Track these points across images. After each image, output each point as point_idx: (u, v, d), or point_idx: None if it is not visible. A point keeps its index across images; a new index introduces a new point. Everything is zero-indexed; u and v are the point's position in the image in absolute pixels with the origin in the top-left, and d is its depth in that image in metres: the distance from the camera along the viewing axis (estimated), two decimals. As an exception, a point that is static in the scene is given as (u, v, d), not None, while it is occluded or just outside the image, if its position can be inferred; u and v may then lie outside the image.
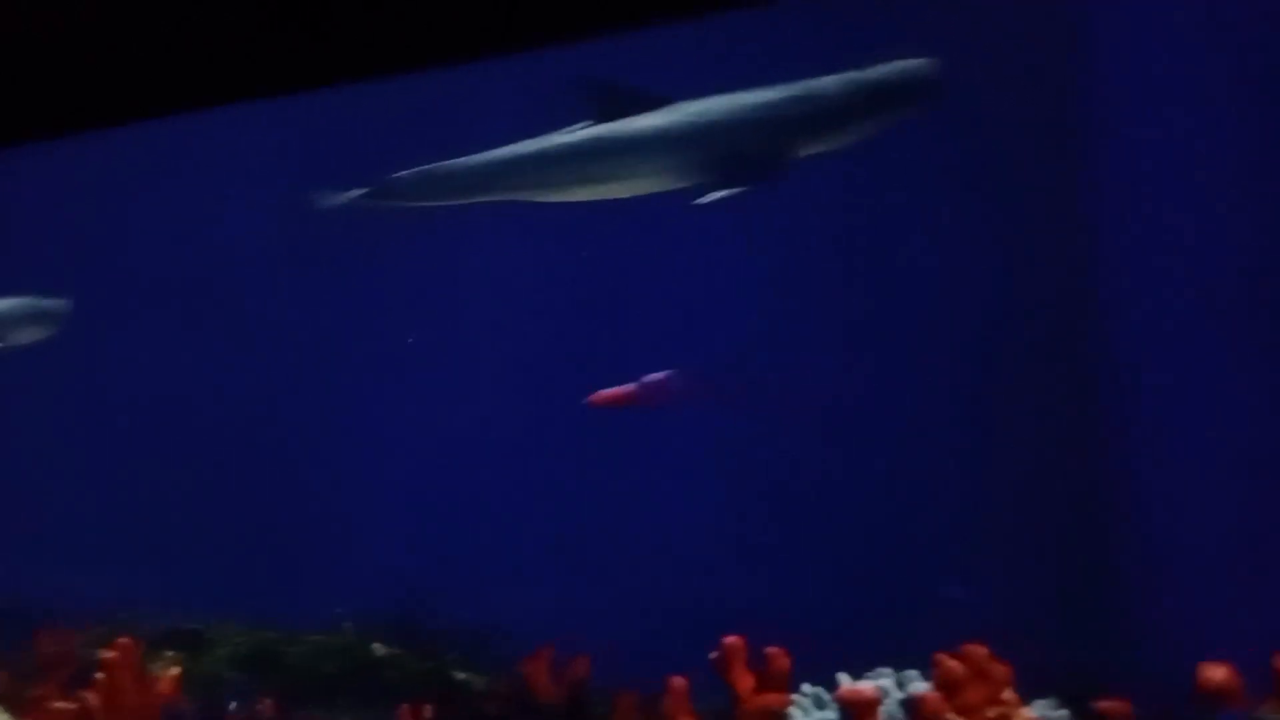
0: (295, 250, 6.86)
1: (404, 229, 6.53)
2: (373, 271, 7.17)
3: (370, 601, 5.07)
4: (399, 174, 4.95)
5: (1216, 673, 2.55)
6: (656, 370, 5.68)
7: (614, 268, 6.66)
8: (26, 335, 6.04)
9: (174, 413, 7.12)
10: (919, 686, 2.84)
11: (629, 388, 5.66)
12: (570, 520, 6.59)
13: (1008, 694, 2.68)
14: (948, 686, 2.69)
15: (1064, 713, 2.85)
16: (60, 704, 3.55)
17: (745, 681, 3.16)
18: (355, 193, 4.99)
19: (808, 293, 6.25)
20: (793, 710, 3.00)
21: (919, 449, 5.79)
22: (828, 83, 4.55)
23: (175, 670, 3.56)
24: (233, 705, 3.60)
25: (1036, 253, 5.76)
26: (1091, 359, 5.54)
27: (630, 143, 4.63)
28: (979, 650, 2.72)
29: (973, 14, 5.35)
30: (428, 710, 3.76)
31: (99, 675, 3.48)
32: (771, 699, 3.07)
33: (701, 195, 4.49)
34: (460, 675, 4.25)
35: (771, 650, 3.12)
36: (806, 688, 3.03)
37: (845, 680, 2.93)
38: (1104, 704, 2.65)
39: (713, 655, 3.18)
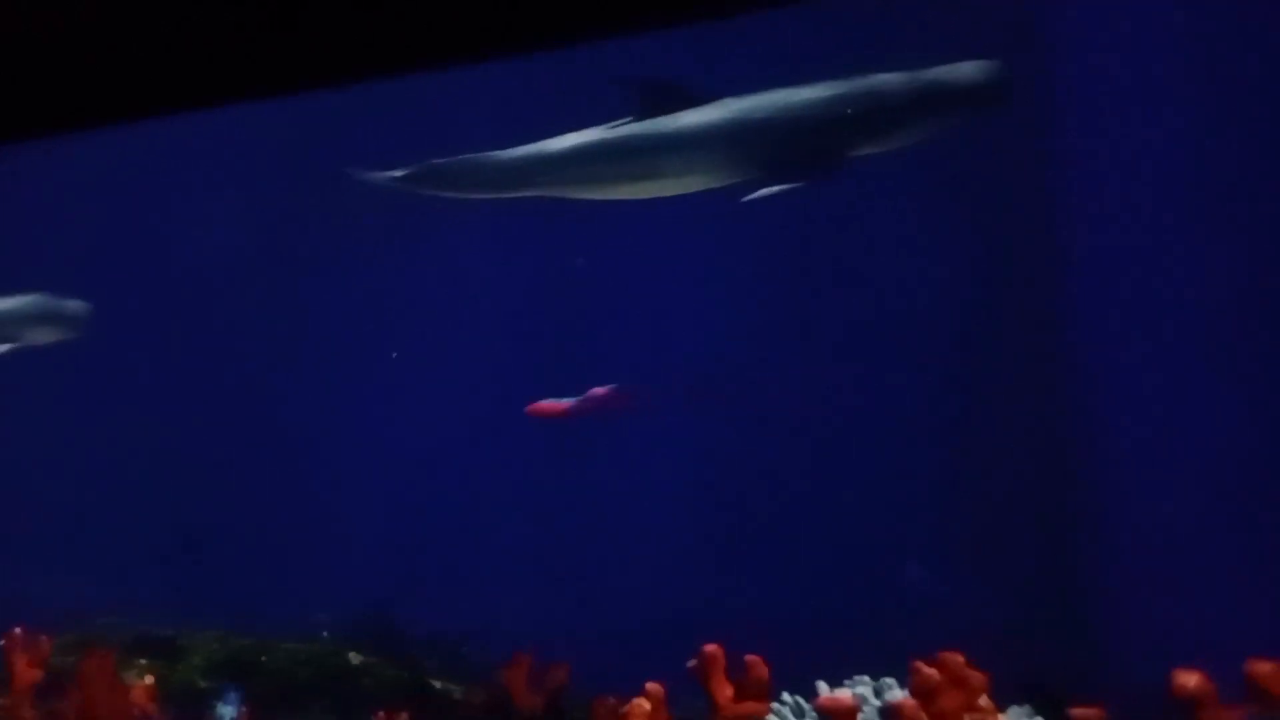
0: (281, 261, 6.84)
1: (396, 237, 6.49)
2: (354, 283, 7.14)
3: (346, 609, 5.04)
4: (438, 161, 4.80)
5: (1190, 679, 2.58)
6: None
7: (602, 276, 6.66)
8: (43, 336, 5.85)
9: (150, 420, 7.05)
10: (896, 694, 2.85)
11: (567, 402, 5.66)
12: (548, 529, 6.57)
13: (984, 701, 2.70)
14: (924, 694, 2.70)
15: (1038, 719, 2.87)
16: (30, 714, 3.50)
17: (724, 690, 3.15)
18: (394, 174, 4.82)
19: (793, 302, 6.27)
20: (772, 718, 3.00)
21: (898, 457, 5.82)
22: (888, 80, 4.35)
23: (149, 679, 3.52)
24: (229, 705, 3.54)
25: (1013, 260, 5.80)
26: (1067, 369, 5.58)
27: (678, 138, 4.46)
28: (955, 658, 2.74)
29: (950, 28, 5.38)
30: (403, 718, 3.74)
31: (72, 684, 3.43)
32: (751, 707, 3.07)
33: (749, 192, 4.33)
34: (437, 683, 4.23)
35: (750, 658, 3.12)
36: (786, 696, 3.03)
37: (824, 689, 2.94)
38: (1078, 710, 2.67)
39: (691, 663, 3.17)
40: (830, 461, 5.94)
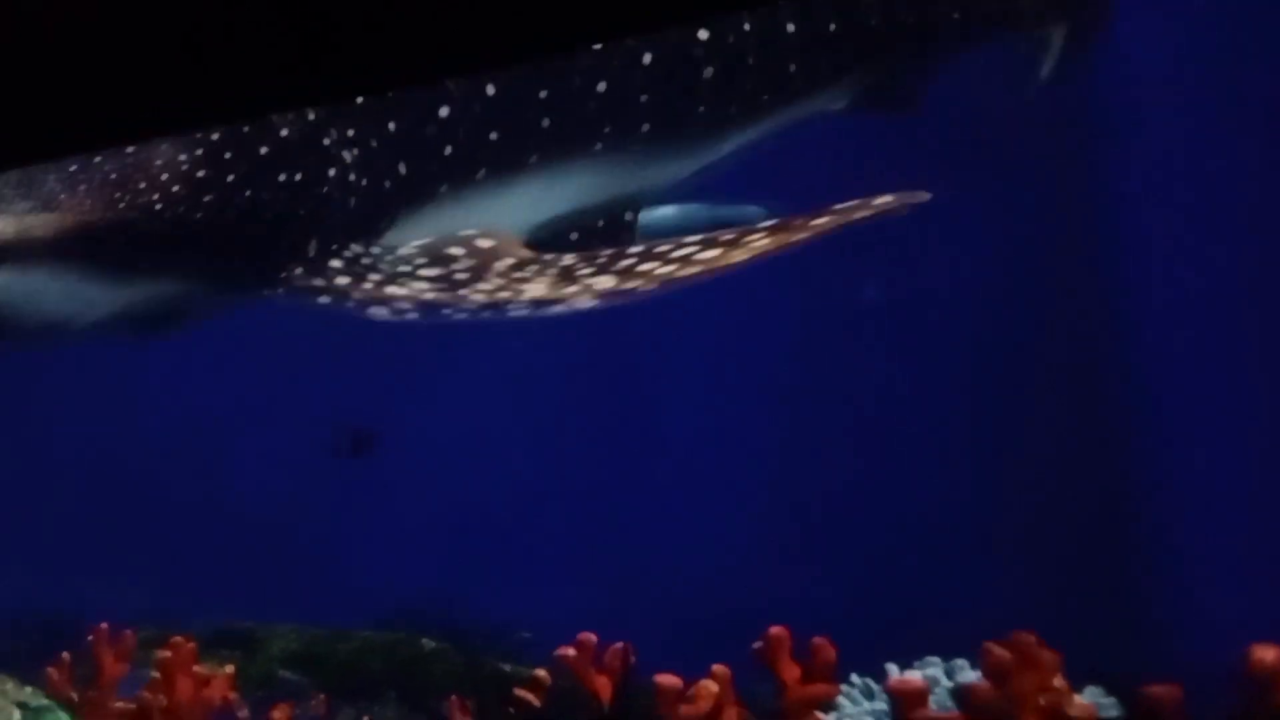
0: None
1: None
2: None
3: (410, 598, 5.15)
4: None
5: (1268, 653, 2.55)
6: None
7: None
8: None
9: (209, 415, 7.19)
10: (968, 675, 2.86)
11: None
12: (601, 518, 6.63)
13: (1058, 681, 2.69)
14: (997, 675, 2.70)
15: (1112, 700, 2.87)
16: (118, 704, 3.62)
17: (792, 671, 3.18)
18: None
19: (842, 300, 6.27)
20: (842, 700, 3.03)
21: (957, 440, 5.82)
22: None
23: (230, 669, 3.62)
24: None
25: (1052, 261, 5.78)
26: (1120, 354, 5.57)
27: None
28: (1028, 637, 2.73)
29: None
30: (476, 703, 3.81)
31: (155, 675, 3.54)
32: (819, 689, 3.09)
33: None
34: (506, 667, 4.31)
35: (817, 640, 3.14)
36: (855, 678, 3.06)
37: (894, 671, 2.96)
38: (1155, 689, 2.65)
39: (756, 645, 3.20)
40: (888, 446, 5.95)
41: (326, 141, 3.73)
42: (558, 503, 6.83)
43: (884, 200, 3.38)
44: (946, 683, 2.91)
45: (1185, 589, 5.07)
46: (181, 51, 1.24)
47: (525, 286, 3.45)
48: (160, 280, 3.72)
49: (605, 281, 3.38)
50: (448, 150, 3.88)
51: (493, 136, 3.93)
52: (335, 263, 3.66)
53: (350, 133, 3.77)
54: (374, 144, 3.81)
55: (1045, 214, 5.92)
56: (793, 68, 4.30)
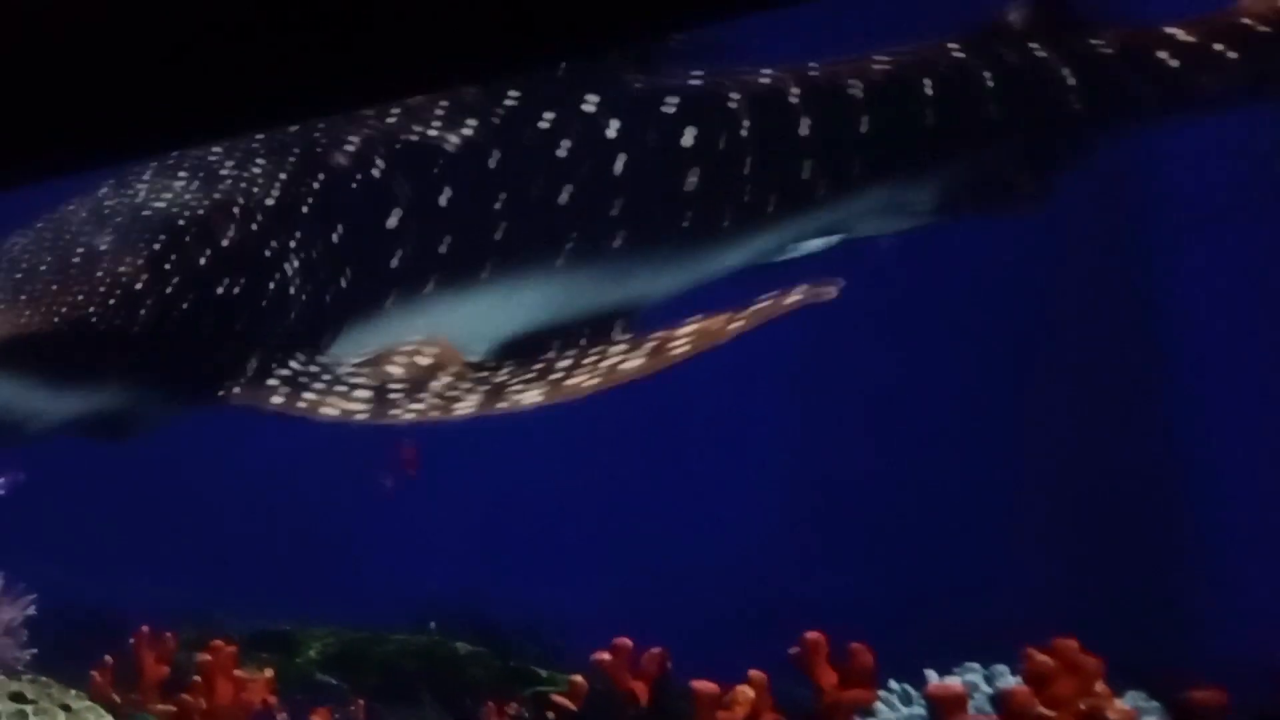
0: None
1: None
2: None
3: (445, 601, 5.18)
4: None
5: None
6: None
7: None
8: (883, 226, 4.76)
9: (244, 420, 7.25)
10: (1008, 681, 2.85)
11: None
12: (633, 519, 6.64)
13: (1099, 687, 2.67)
14: (1038, 680, 2.69)
15: (1156, 704, 2.84)
16: (159, 707, 3.67)
17: (829, 677, 3.17)
18: None
19: (880, 299, 6.24)
20: (879, 706, 3.02)
21: (992, 446, 5.79)
22: None
23: (269, 672, 3.66)
24: None
25: (1086, 254, 5.74)
26: (1155, 359, 5.53)
27: None
28: (1069, 643, 2.72)
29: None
30: (513, 707, 3.83)
31: (195, 678, 3.59)
32: (857, 695, 3.08)
33: None
34: (543, 672, 4.32)
35: (855, 645, 3.13)
36: (893, 684, 3.05)
37: (933, 676, 2.94)
38: (1199, 694, 2.63)
39: (793, 651, 3.20)
40: (925, 448, 5.92)
41: (268, 253, 3.65)
42: (587, 503, 6.85)
43: (794, 298, 3.24)
44: (986, 689, 2.90)
45: (1225, 587, 5.03)
46: (186, 58, 1.24)
47: (456, 405, 3.44)
48: (102, 391, 3.66)
49: (532, 397, 3.37)
50: (394, 262, 3.77)
51: (442, 249, 3.79)
52: (273, 380, 3.59)
53: (292, 243, 3.68)
54: (316, 255, 3.71)
55: (1073, 211, 5.88)
56: (807, 172, 4.02)
